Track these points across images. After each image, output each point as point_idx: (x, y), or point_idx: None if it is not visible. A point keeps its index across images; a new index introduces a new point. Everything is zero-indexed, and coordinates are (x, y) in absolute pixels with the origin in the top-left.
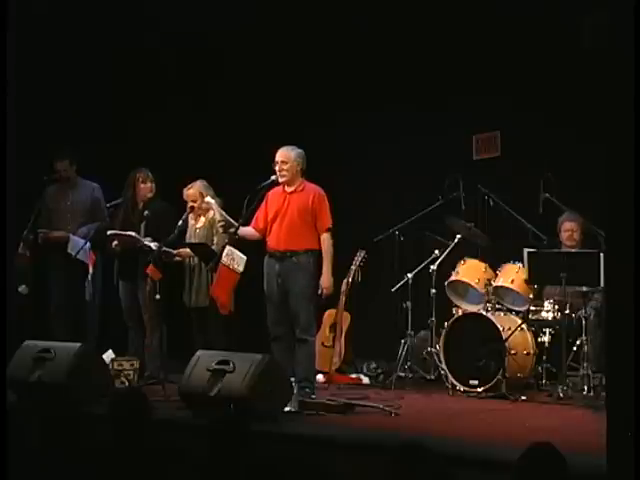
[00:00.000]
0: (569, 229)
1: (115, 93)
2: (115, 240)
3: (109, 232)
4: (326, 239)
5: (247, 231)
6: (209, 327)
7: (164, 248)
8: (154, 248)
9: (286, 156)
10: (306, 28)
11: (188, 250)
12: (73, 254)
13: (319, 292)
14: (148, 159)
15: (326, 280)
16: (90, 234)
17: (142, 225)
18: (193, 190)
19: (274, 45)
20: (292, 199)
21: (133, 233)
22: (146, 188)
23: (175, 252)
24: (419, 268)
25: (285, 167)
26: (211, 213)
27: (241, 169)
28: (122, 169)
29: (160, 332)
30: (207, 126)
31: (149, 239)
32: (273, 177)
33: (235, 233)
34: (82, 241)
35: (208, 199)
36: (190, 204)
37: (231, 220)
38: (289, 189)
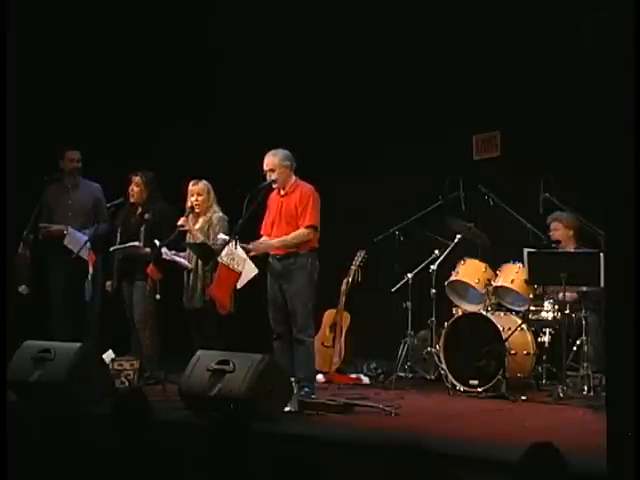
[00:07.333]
0: (553, 228)
1: (115, 93)
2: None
3: (111, 249)
4: (301, 233)
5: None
6: (206, 328)
7: (164, 249)
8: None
9: (272, 163)
10: (306, 29)
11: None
12: (74, 254)
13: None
14: (148, 159)
15: (258, 246)
16: (92, 234)
17: (142, 229)
18: (199, 186)
19: (273, 46)
20: (285, 201)
21: (136, 243)
22: (132, 192)
23: (181, 256)
24: (419, 268)
25: (274, 175)
26: (210, 213)
27: (242, 170)
28: (122, 169)
29: (160, 332)
30: (208, 126)
31: (148, 249)
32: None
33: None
34: (79, 234)
35: (221, 236)
36: (190, 202)
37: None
38: (282, 192)
